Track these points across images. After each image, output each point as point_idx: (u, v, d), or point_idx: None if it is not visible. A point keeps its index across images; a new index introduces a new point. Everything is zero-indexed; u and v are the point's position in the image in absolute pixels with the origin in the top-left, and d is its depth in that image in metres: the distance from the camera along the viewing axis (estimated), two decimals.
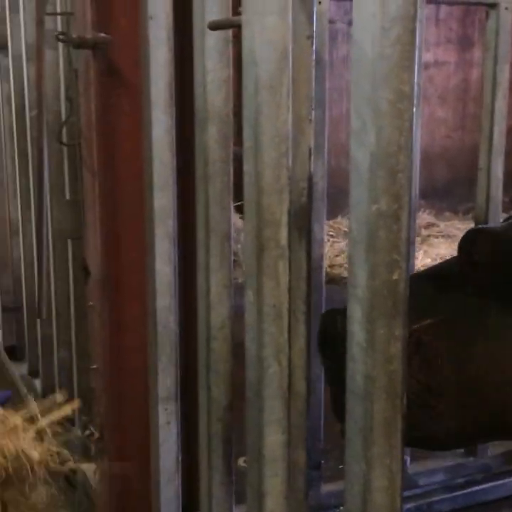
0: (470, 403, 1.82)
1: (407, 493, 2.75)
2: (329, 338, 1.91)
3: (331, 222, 8.79)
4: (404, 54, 1.26)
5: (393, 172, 1.27)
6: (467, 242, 1.91)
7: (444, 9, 9.90)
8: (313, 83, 1.75)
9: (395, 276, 1.27)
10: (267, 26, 1.55)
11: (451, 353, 1.81)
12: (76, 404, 1.57)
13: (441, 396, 1.81)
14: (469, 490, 3.00)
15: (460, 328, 1.84)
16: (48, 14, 2.49)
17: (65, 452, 1.54)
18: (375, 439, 1.27)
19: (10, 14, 3.42)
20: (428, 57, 10.06)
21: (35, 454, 1.55)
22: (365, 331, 1.28)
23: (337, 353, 1.64)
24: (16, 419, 1.58)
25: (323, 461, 2.76)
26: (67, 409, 1.54)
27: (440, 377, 1.81)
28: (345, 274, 7.84)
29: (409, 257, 1.30)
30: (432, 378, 1.80)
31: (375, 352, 1.27)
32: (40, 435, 1.56)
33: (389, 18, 1.24)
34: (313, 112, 1.75)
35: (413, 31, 1.26)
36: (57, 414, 1.54)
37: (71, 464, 1.54)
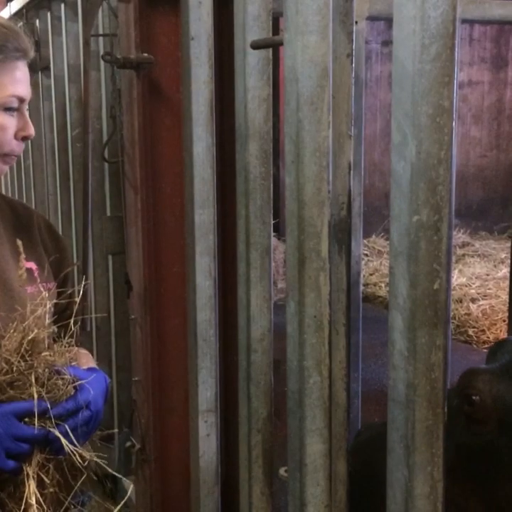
0: None
1: None
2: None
3: (365, 241, 8.78)
4: (444, 70, 1.29)
5: (433, 184, 1.30)
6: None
7: (477, 29, 9.92)
8: (352, 100, 1.79)
9: (436, 286, 1.30)
10: (309, 45, 1.59)
11: None
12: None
13: None
14: None
15: None
16: (94, 36, 2.57)
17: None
18: (417, 446, 1.29)
19: (52, 36, 3.52)
20: (462, 77, 10.05)
21: None
22: (406, 339, 1.30)
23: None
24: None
25: None
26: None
27: None
28: (379, 292, 7.84)
29: (450, 267, 1.33)
30: None
31: (416, 360, 1.29)
32: None
33: (429, 35, 1.27)
34: (352, 129, 1.79)
35: (452, 48, 1.29)
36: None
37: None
